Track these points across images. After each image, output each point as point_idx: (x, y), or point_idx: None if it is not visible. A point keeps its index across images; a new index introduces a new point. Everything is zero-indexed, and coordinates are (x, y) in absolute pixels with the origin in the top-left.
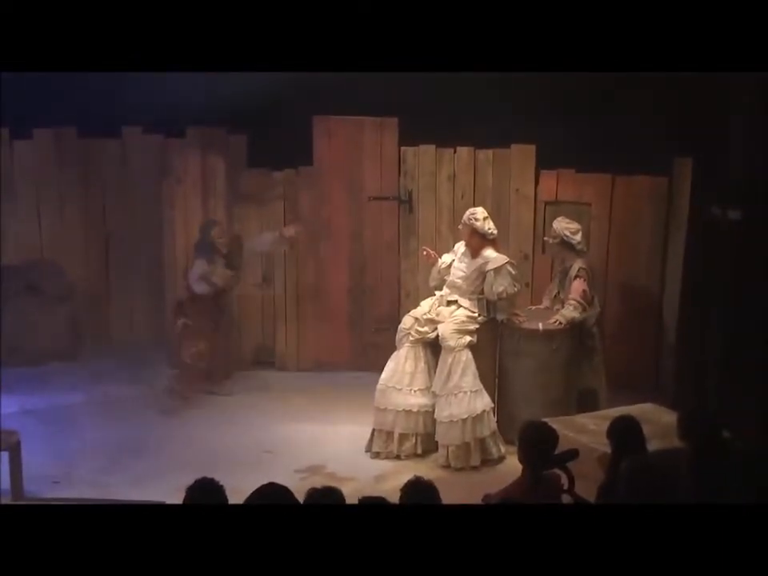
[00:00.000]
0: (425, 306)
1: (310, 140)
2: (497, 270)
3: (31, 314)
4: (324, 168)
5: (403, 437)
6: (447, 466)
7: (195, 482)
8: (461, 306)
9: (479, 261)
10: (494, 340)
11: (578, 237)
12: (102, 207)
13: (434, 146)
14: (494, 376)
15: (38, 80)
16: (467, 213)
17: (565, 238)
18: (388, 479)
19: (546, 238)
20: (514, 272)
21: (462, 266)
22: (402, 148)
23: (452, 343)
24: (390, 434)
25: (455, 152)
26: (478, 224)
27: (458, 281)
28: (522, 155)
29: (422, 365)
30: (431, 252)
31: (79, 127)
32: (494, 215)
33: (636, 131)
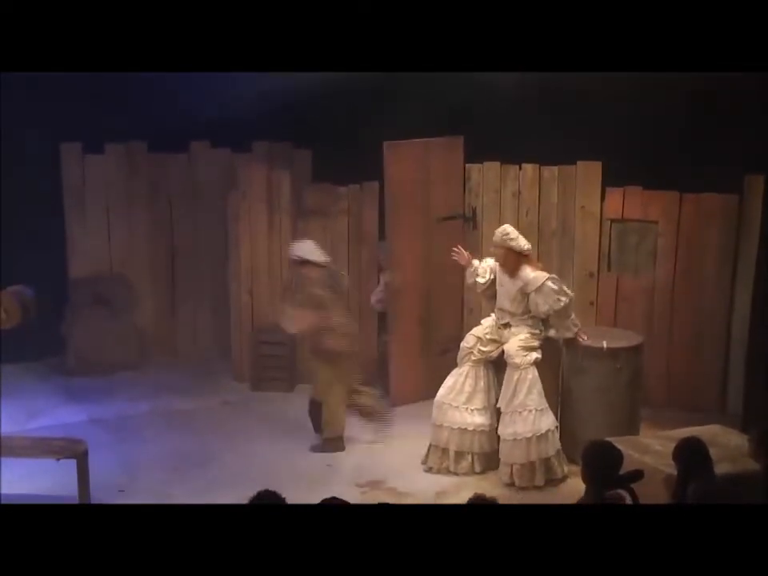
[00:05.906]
0: (485, 325)
1: (374, 155)
2: (538, 289)
3: (99, 325)
4: (395, 192)
5: (459, 455)
6: (511, 485)
7: (257, 493)
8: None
9: (519, 283)
10: (557, 358)
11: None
12: (170, 220)
13: (498, 163)
14: (556, 394)
15: (110, 95)
16: (499, 234)
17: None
18: (448, 496)
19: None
20: (556, 286)
21: (503, 290)
22: (467, 165)
23: (518, 360)
24: (444, 450)
25: (520, 168)
26: (514, 242)
27: (505, 305)
28: (588, 172)
29: (481, 384)
30: (463, 252)
31: (149, 142)
32: (558, 232)
33: (705, 148)
